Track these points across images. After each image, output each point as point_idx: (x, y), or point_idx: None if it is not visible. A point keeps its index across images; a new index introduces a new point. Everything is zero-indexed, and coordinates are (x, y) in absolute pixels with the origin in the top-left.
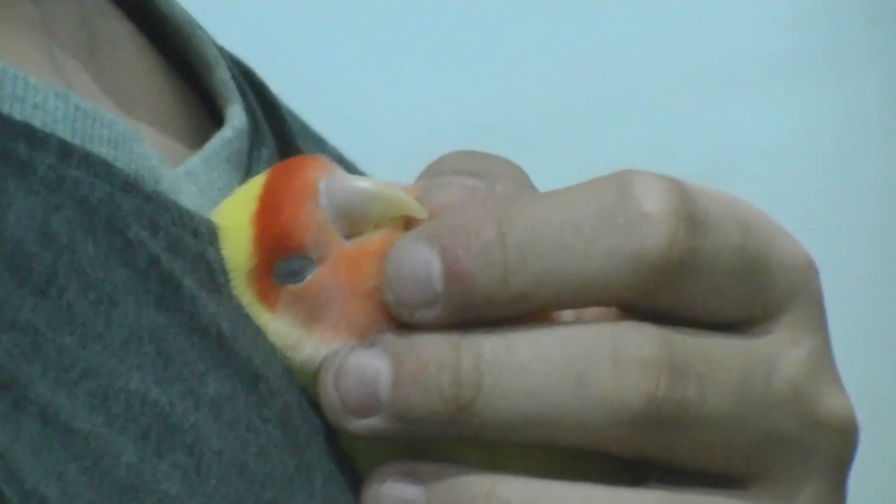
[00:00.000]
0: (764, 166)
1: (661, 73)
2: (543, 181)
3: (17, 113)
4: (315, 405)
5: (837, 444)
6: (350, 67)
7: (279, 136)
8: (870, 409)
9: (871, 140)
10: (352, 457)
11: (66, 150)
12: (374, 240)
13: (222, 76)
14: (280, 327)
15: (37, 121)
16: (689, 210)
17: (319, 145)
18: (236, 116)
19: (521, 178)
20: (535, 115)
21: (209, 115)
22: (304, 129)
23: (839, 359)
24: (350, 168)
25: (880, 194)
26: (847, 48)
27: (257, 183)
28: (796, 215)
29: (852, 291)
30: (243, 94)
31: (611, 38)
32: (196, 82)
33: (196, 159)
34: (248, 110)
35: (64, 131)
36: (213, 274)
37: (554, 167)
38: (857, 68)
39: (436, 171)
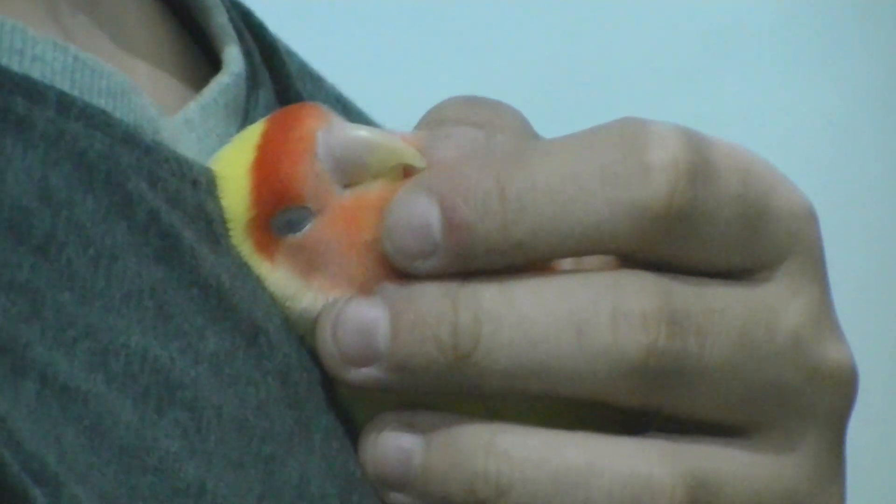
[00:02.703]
0: (753, 143)
1: (651, 43)
2: None
3: (16, 65)
4: (314, 356)
5: (837, 393)
6: (339, 54)
7: (277, 78)
8: (869, 408)
9: (863, 117)
10: (350, 410)
11: (64, 103)
12: (372, 191)
13: (220, 20)
14: (278, 278)
15: (35, 73)
16: (691, 160)
17: (318, 84)
18: (234, 61)
19: (522, 126)
20: (524, 87)
21: (208, 60)
22: (303, 67)
23: None
24: (349, 106)
25: (874, 172)
26: (838, 23)
27: (255, 132)
28: None
29: (845, 273)
30: (241, 38)
31: (597, 14)
32: (194, 26)
33: (193, 106)
34: (246, 54)
35: (63, 83)
36: (212, 225)
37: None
38: (849, 43)
39: (435, 120)
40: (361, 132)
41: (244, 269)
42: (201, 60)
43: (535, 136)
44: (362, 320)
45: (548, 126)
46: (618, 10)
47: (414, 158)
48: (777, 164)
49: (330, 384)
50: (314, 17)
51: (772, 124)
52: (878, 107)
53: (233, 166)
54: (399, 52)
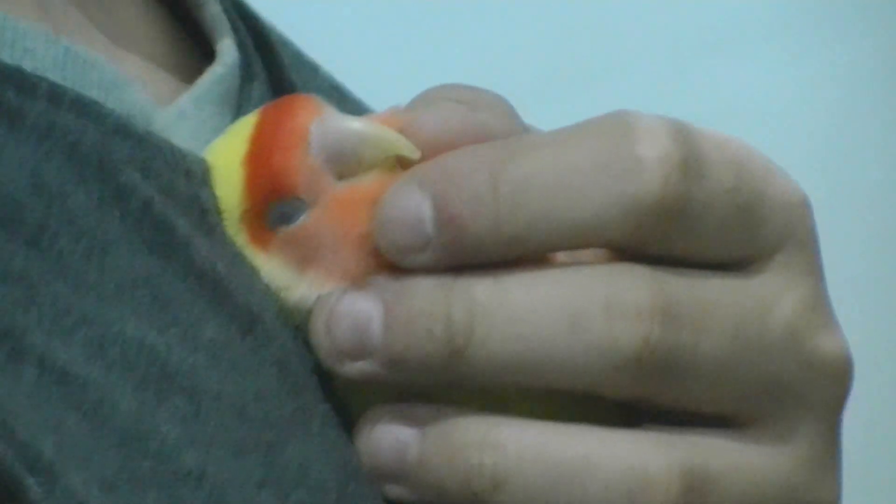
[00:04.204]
0: (756, 131)
1: (650, 35)
2: None
3: (7, 58)
4: (310, 346)
5: (832, 383)
6: (333, 47)
7: (271, 69)
8: (869, 407)
9: (867, 104)
10: (347, 400)
11: (56, 94)
12: (366, 183)
13: (213, 11)
14: (272, 270)
15: (27, 65)
16: (683, 153)
17: (312, 73)
18: (227, 52)
19: (503, 107)
20: (525, 77)
21: (201, 52)
22: (297, 56)
23: None
24: (344, 94)
25: (877, 159)
26: (842, 8)
27: (248, 123)
28: None
29: (847, 256)
30: (235, 28)
31: (595, 6)
32: (188, 18)
33: (186, 98)
34: (240, 45)
35: (54, 75)
36: (207, 215)
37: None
38: (853, 30)
39: (419, 103)
40: (355, 124)
41: (239, 259)
42: (195, 52)
43: (518, 119)
44: (355, 313)
45: (545, 119)
46: (616, 2)
47: (408, 150)
48: (776, 157)
49: (327, 373)
50: (309, 9)
51: (771, 117)
52: (878, 99)
53: (226, 158)
54: (395, 46)
